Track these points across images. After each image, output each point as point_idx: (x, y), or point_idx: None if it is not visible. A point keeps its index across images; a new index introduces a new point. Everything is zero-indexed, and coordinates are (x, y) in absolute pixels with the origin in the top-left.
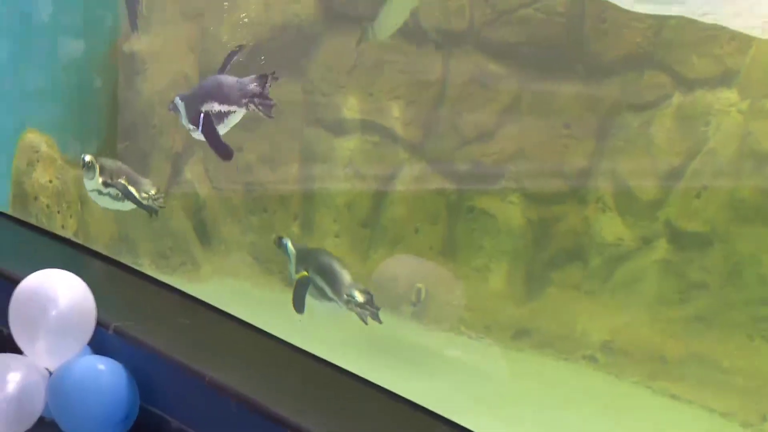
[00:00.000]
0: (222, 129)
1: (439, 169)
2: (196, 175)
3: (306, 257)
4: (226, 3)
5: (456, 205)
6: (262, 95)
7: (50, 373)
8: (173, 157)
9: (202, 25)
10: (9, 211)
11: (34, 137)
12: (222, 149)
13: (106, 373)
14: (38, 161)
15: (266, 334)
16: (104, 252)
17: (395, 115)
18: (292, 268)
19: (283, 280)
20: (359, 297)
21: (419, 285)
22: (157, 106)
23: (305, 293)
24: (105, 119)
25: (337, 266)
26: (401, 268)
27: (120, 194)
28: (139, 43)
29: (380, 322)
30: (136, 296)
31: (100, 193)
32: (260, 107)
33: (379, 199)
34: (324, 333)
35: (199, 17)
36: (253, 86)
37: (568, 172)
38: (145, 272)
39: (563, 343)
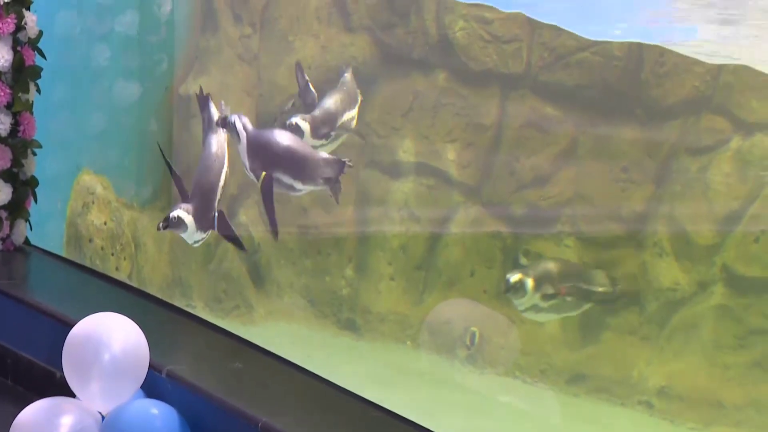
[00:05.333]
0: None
1: (495, 212)
2: (250, 217)
3: None
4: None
5: (511, 249)
6: (336, 180)
7: (103, 417)
8: (228, 199)
9: (258, 68)
10: (63, 254)
11: (89, 179)
12: (273, 223)
13: (158, 416)
14: (93, 203)
15: (319, 378)
16: (158, 295)
17: (451, 158)
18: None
19: (337, 323)
20: None
21: (474, 328)
22: None
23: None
24: (161, 162)
25: None
26: (456, 311)
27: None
28: (194, 86)
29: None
30: (189, 340)
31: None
32: (332, 192)
33: (434, 242)
34: (376, 374)
35: (255, 61)
36: (330, 170)
37: (625, 216)
38: (199, 315)
39: (619, 389)
